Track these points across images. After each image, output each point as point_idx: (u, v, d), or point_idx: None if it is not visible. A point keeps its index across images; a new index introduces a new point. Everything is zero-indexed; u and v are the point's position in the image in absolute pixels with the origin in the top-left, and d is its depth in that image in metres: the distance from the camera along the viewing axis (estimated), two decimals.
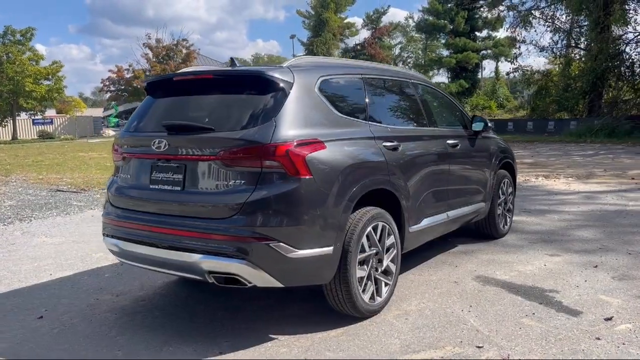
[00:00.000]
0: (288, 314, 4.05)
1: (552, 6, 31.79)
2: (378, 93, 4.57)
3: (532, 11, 32.19)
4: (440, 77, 56.32)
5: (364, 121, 4.07)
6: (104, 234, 4.05)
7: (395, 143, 4.21)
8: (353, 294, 3.69)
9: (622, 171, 13.24)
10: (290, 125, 3.43)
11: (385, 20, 64.52)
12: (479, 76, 50.73)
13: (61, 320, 4.01)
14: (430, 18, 49.96)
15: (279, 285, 3.39)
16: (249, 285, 3.38)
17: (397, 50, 71.78)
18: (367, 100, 4.25)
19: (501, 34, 50.81)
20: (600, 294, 4.28)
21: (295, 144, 3.36)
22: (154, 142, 3.60)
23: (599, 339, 3.46)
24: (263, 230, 3.26)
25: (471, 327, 3.69)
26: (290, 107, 3.49)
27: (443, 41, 51.88)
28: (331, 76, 3.98)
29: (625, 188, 10.38)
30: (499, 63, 53.43)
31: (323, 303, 3.92)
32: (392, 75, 4.89)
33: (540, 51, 32.59)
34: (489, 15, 39.80)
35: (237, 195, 3.31)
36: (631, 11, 27.80)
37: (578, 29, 31.09)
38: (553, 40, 32.00)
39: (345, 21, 61.67)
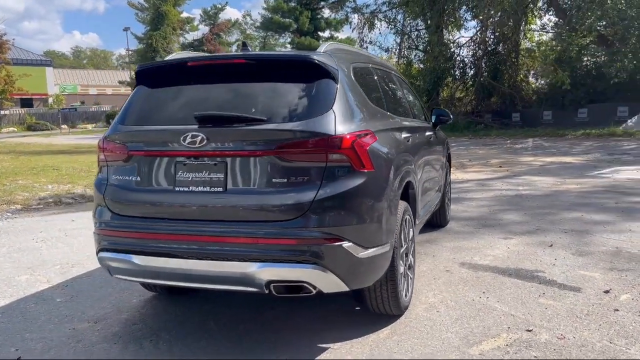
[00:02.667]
0: (311, 322, 3.75)
1: (394, 10, 34.12)
2: (384, 84, 4.44)
3: (376, 14, 34.22)
4: None
5: (386, 112, 3.93)
6: (102, 249, 3.35)
7: (408, 134, 4.14)
8: (398, 292, 3.55)
9: (485, 160, 14.73)
10: (346, 116, 3.17)
11: (221, 17, 64.13)
12: None
13: None
14: (276, 16, 50.51)
15: (345, 289, 3.11)
16: (313, 292, 3.05)
17: (234, 48, 71.69)
18: (381, 90, 4.11)
19: (342, 34, 53.48)
20: (578, 270, 4.67)
21: (357, 134, 3.11)
22: (185, 137, 3.06)
23: (617, 310, 3.76)
24: (334, 231, 2.96)
25: (504, 313, 3.77)
26: (342, 96, 3.22)
27: (288, 40, 52.77)
28: (358, 64, 3.76)
29: (503, 175, 11.55)
30: None
31: (336, 307, 3.80)
32: (383, 66, 4.79)
33: (385, 52, 34.85)
34: (335, 17, 41.39)
35: (302, 194, 2.95)
36: (463, 18, 31.02)
37: (417, 32, 33.77)
38: (396, 42, 34.40)
39: (184, 15, 59.88)
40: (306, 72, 3.22)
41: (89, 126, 56.95)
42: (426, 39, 32.22)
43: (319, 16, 50.67)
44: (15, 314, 4.03)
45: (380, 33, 46.85)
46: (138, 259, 3.16)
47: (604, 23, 23.55)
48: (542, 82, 30.68)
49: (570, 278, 4.46)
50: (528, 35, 30.57)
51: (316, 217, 2.94)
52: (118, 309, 4.06)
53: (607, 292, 4.12)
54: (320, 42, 51.73)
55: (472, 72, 31.21)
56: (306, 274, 2.94)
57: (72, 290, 4.51)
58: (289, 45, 54.45)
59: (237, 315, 3.87)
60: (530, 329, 3.48)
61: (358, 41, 35.30)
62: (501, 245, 5.58)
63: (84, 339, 3.52)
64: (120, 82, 65.69)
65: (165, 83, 3.48)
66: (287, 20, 50.40)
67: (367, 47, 34.42)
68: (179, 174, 3.14)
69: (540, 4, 29.04)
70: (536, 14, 29.53)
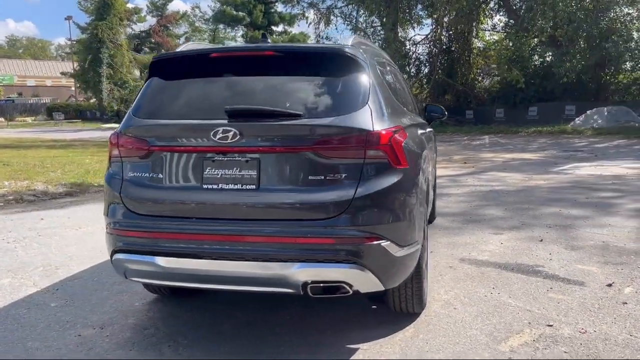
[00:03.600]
0: (330, 322, 3.66)
1: (350, 6, 34.24)
2: (396, 79, 4.38)
3: (332, 9, 34.25)
4: None
5: (403, 107, 3.88)
6: (118, 251, 3.13)
7: (422, 131, 4.12)
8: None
9: (448, 157, 15.00)
10: (380, 111, 3.09)
11: (169, 9, 62.87)
12: None
13: None
14: (228, 9, 49.68)
15: (380, 289, 3.04)
16: (350, 292, 2.96)
17: (182, 40, 70.44)
18: (396, 86, 4.05)
19: (296, 29, 53.29)
20: (575, 264, 4.79)
21: (393, 130, 3.04)
22: (216, 132, 2.90)
23: (625, 303, 3.86)
24: (373, 229, 2.88)
25: (519, 308, 3.80)
26: (374, 91, 3.14)
27: (241, 33, 52.06)
28: (378, 58, 3.69)
29: (470, 171, 11.79)
30: None
31: (350, 306, 3.77)
32: (391, 61, 4.73)
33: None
34: (291, 11, 41.17)
35: (340, 191, 2.86)
36: (418, 16, 31.47)
37: (372, 29, 34.02)
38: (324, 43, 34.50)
39: (131, 5, 58.25)
40: (339, 65, 3.12)
41: (29, 119, 54.40)
42: (382, 36, 32.51)
43: (272, 10, 50.29)
44: (9, 320, 3.74)
45: (336, 29, 46.89)
46: (162, 261, 2.98)
47: (552, 24, 24.43)
48: (491, 80, 31.61)
49: (571, 272, 4.56)
50: (480, 35, 31.42)
51: (355, 216, 2.85)
52: (122, 313, 3.83)
53: (610, 285, 4.23)
54: (274, 36, 51.46)
55: (427, 69, 31.79)
56: (345, 274, 2.86)
57: (64, 294, 4.23)
58: (241, 39, 53.78)
59: (251, 316, 3.74)
60: (551, 324, 3.52)
61: (314, 37, 35.25)
62: (494, 241, 5.65)
63: (95, 346, 3.30)
64: (62, 74, 63.03)
65: (185, 75, 3.29)
66: (240, 13, 49.68)
67: (324, 43, 34.40)
68: (207, 170, 2.98)
69: (492, 4, 29.89)
70: (487, 14, 30.38)
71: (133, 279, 3.21)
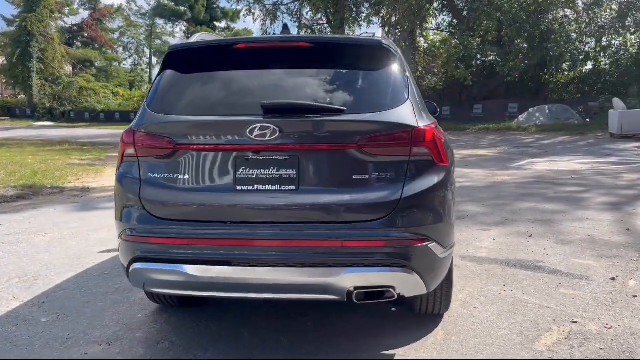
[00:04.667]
0: (355, 328, 3.51)
1: (296, 3, 34.10)
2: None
3: (279, 6, 33.99)
4: None
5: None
6: (137, 260, 2.83)
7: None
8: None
9: None
10: (419, 106, 2.97)
11: (103, 2, 60.58)
12: None
13: None
14: (169, 3, 48.30)
15: (424, 292, 2.90)
16: (395, 297, 2.82)
17: (117, 35, 68.15)
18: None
19: (239, 25, 52.48)
20: (572, 259, 4.86)
21: (433, 127, 2.91)
22: (252, 129, 2.67)
23: (635, 296, 3.93)
24: (421, 230, 2.75)
25: (538, 305, 3.78)
26: (411, 85, 3.01)
27: (183, 28, 50.72)
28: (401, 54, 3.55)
29: None
30: None
31: (369, 311, 3.67)
32: None
33: None
34: (236, 7, 40.49)
35: (387, 191, 2.70)
36: (365, 15, 31.77)
37: (319, 27, 34.02)
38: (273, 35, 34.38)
39: None
40: (377, 57, 2.97)
41: None
42: (329, 33, 32.58)
43: (215, 5, 49.33)
44: (3, 342, 3.34)
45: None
46: (193, 269, 2.72)
47: (497, 24, 25.26)
48: (434, 78, 32.34)
49: (572, 267, 4.61)
50: (425, 34, 32.06)
51: (404, 216, 2.71)
52: (126, 326, 3.52)
53: (613, 279, 4.31)
54: (217, 32, 50.43)
55: None
56: (394, 278, 2.71)
57: (54, 308, 3.85)
58: (178, 35, 52.46)
59: (270, 324, 3.52)
60: (575, 320, 3.52)
61: (261, 34, 34.80)
62: (485, 237, 5.67)
63: None
64: None
65: (208, 67, 3.04)
66: (182, 8, 48.44)
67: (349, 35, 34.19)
68: (240, 171, 2.75)
69: (435, 5, 30.54)
70: (432, 13, 31.04)
71: (155, 290, 2.94)
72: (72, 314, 3.75)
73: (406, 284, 2.75)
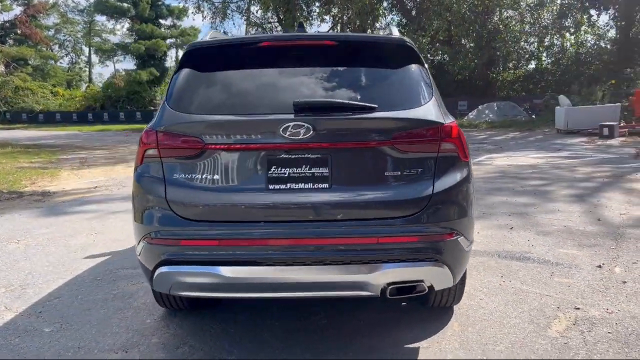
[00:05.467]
0: (369, 324, 3.55)
1: (245, 1, 33.78)
2: None
3: (228, 4, 33.55)
4: (126, 64, 53.57)
5: None
6: (165, 263, 2.76)
7: None
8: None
9: None
10: (442, 104, 3.03)
11: None
12: (167, 65, 50.20)
13: None
14: (112, 0, 46.77)
15: (451, 285, 2.97)
16: (426, 291, 2.87)
17: (52, 32, 65.52)
18: None
19: (185, 23, 51.41)
20: (556, 249, 5.08)
21: (457, 123, 2.98)
22: (285, 128, 2.66)
23: (625, 282, 4.16)
24: (451, 225, 2.82)
25: (539, 294, 3.94)
26: (433, 83, 3.07)
27: (126, 25, 49.18)
28: None
29: None
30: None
31: (373, 306, 3.71)
32: None
33: None
34: (184, 4, 39.64)
35: (420, 187, 2.76)
36: (314, 13, 31.84)
37: (270, 25, 33.85)
38: (251, 34, 34.05)
39: None
40: (402, 55, 3.01)
41: None
42: (280, 31, 32.47)
43: (160, 2, 48.12)
44: (4, 352, 3.17)
45: (233, 24, 45.86)
46: (227, 271, 2.68)
47: (447, 24, 25.95)
48: None
49: (558, 257, 4.83)
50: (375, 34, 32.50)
51: (435, 211, 2.77)
52: (138, 332, 3.42)
53: (600, 267, 4.54)
54: (162, 29, 49.23)
55: None
56: (427, 272, 2.77)
57: (54, 317, 3.69)
58: (119, 33, 50.89)
59: (285, 325, 3.51)
60: (578, 307, 3.69)
61: (210, 31, 34.25)
62: None
63: None
64: None
65: (231, 65, 2.99)
66: (125, 4, 46.95)
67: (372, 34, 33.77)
68: (272, 170, 2.72)
69: (385, 4, 31.01)
70: (381, 13, 31.49)
71: (183, 293, 2.86)
72: (76, 322, 3.60)
73: (438, 277, 2.81)
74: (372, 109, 2.75)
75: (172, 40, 50.24)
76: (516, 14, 25.29)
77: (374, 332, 3.38)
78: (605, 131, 16.50)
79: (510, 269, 4.50)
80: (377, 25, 31.84)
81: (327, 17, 31.49)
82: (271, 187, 2.72)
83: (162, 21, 49.94)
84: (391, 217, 2.73)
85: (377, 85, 2.94)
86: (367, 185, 2.76)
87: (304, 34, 3.29)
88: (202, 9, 34.67)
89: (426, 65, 3.13)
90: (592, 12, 26.93)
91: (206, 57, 3.04)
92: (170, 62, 51.43)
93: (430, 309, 3.68)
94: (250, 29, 33.88)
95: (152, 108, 44.86)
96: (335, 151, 2.74)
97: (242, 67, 3.00)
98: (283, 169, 2.72)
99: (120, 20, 49.47)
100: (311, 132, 2.67)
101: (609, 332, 3.29)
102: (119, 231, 6.16)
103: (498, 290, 4.03)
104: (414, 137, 2.77)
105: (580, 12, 25.99)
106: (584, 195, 7.74)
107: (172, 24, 50.75)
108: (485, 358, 3.02)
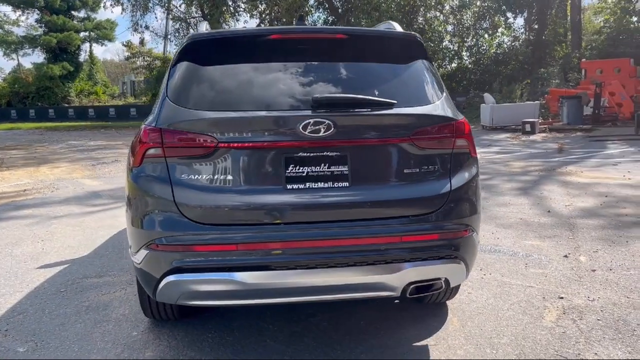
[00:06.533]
0: (370, 324, 3.50)
1: None
2: None
3: None
4: (35, 58, 50.10)
5: None
6: (175, 271, 2.54)
7: None
8: None
9: None
10: (451, 100, 3.02)
11: None
12: (81, 59, 47.37)
13: None
14: None
15: (464, 280, 2.98)
16: (442, 288, 2.86)
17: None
18: None
19: (101, 15, 48.93)
20: (521, 241, 5.28)
21: (466, 120, 2.99)
22: (305, 125, 2.54)
23: (594, 270, 4.39)
24: (467, 221, 2.83)
25: (522, 286, 4.06)
26: (441, 80, 3.06)
27: (35, 17, 45.86)
28: None
29: None
30: (103, 47, 51.37)
31: (368, 306, 3.68)
32: None
33: (164, 38, 33.19)
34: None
35: (438, 184, 2.73)
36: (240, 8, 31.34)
37: (194, 19, 32.95)
38: (174, 29, 33.04)
39: None
40: (412, 52, 2.97)
41: None
42: (209, 27, 31.69)
43: None
44: None
45: (156, 17, 43.87)
46: (246, 277, 2.52)
47: (372, 23, 26.41)
48: None
49: (525, 248, 5.01)
50: None
51: (453, 208, 2.76)
52: (127, 346, 3.16)
53: (566, 256, 4.75)
54: (75, 22, 46.40)
55: None
56: (447, 269, 2.76)
57: (23, 334, 3.33)
58: (24, 25, 47.42)
59: (286, 327, 3.38)
60: (561, 296, 3.84)
61: (131, 24, 32.83)
62: None
63: None
64: None
65: (238, 58, 2.81)
66: None
67: (143, 32, 32.43)
68: (290, 168, 2.59)
69: (312, 1, 31.10)
70: (308, 10, 31.54)
71: (193, 302, 2.66)
72: (52, 339, 3.27)
73: (455, 274, 2.81)
74: (391, 105, 2.69)
75: (86, 33, 47.53)
76: (440, 14, 26.21)
77: (379, 331, 3.33)
78: (528, 127, 17.46)
79: (486, 262, 4.61)
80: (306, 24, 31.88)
81: (255, 13, 31.13)
82: (289, 186, 2.59)
83: (74, 13, 47.06)
84: (412, 215, 2.68)
85: (391, 80, 2.88)
86: (386, 183, 2.70)
87: (314, 27, 3.18)
88: (121, 1, 33.10)
89: (431, 61, 3.11)
90: (509, 14, 28.53)
91: (211, 50, 2.84)
92: (85, 56, 48.75)
93: (425, 305, 3.68)
94: (174, 23, 32.84)
95: (66, 105, 42.31)
96: (355, 148, 2.65)
97: (251, 60, 2.83)
98: (301, 168, 2.60)
99: (28, 11, 45.99)
100: (332, 129, 2.57)
101: (598, 320, 3.44)
102: (68, 237, 5.71)
103: (482, 283, 4.11)
104: (433, 134, 2.74)
105: (498, 14, 27.41)
106: (527, 189, 8.12)
107: (85, 16, 47.96)
108: (494, 351, 3.05)
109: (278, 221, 2.58)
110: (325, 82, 2.79)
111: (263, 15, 30.36)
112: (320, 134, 2.56)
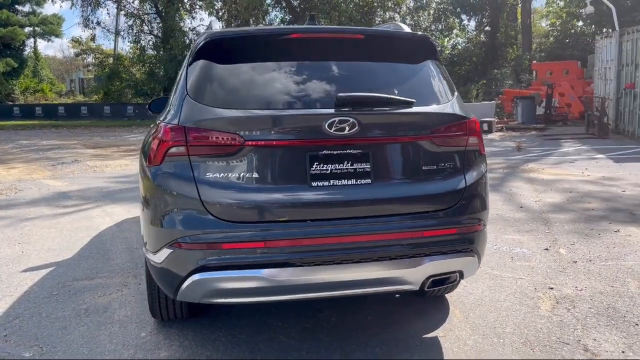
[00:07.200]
0: (377, 319, 3.58)
1: None
2: None
3: None
4: None
5: None
6: (203, 269, 2.53)
7: None
8: None
9: None
10: (461, 99, 3.13)
11: None
12: (26, 55, 45.38)
13: None
14: None
15: (475, 273, 3.11)
16: (457, 281, 2.97)
17: None
18: None
19: (47, 10, 47.13)
20: (502, 235, 5.49)
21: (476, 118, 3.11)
22: (331, 123, 2.58)
23: (575, 261, 4.62)
24: (480, 215, 2.95)
25: (512, 278, 4.23)
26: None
27: None
28: None
29: None
30: (49, 42, 49.43)
31: (369, 301, 3.74)
32: None
33: (116, 35, 32.26)
34: None
35: (454, 180, 2.84)
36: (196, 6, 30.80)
37: (148, 16, 32.21)
38: (127, 25, 32.17)
39: None
40: (426, 51, 3.07)
41: None
42: (159, 23, 31.07)
43: None
44: None
45: (108, 13, 42.19)
46: (274, 273, 2.54)
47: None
48: None
49: (507, 242, 5.22)
50: None
51: (469, 203, 2.87)
52: (141, 348, 3.11)
53: (547, 249, 4.98)
54: (20, 16, 44.47)
55: None
56: (463, 262, 2.87)
57: (26, 339, 3.23)
58: None
59: (296, 323, 3.42)
60: (551, 287, 4.03)
61: (81, 20, 31.74)
62: None
63: None
64: None
65: (259, 57, 2.83)
66: None
67: (95, 28, 31.48)
68: (314, 166, 2.63)
69: (269, 0, 30.93)
70: (265, 8, 31.37)
71: (217, 300, 2.66)
72: (58, 343, 3.19)
73: (470, 266, 2.93)
74: (410, 104, 2.76)
75: (31, 28, 45.62)
76: (397, 15, 26.65)
77: (387, 325, 3.41)
78: (485, 126, 17.98)
79: None
80: (265, 22, 31.73)
81: (212, 10, 30.66)
82: (314, 184, 2.63)
83: (18, 7, 45.10)
84: (432, 210, 2.78)
85: (407, 80, 2.97)
86: (405, 179, 2.78)
87: (333, 27, 3.23)
88: None
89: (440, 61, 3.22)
90: (464, 16, 29.37)
91: (232, 48, 2.84)
92: (30, 51, 46.75)
93: (425, 299, 3.79)
94: (127, 19, 31.99)
95: (10, 103, 40.48)
96: (376, 146, 2.72)
97: (272, 59, 2.85)
98: (325, 166, 2.64)
99: None
100: (356, 127, 2.62)
101: (590, 308, 3.63)
102: (47, 240, 5.52)
103: (475, 276, 4.22)
104: (449, 132, 2.84)
105: (453, 16, 28.14)
106: (496, 186, 8.40)
107: (31, 10, 46.04)
108: (500, 340, 3.19)
109: (304, 218, 2.61)
110: (345, 81, 2.84)
111: (220, 14, 29.97)
112: (345, 132, 2.61)
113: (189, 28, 31.01)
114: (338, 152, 2.65)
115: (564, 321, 3.43)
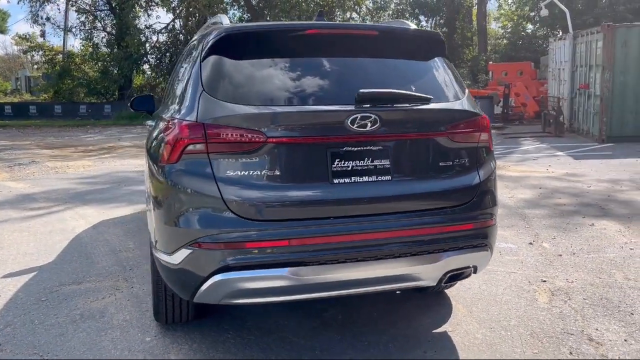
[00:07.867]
0: (381, 316, 3.58)
1: None
2: None
3: None
4: None
5: None
6: (226, 269, 2.46)
7: None
8: None
9: None
10: (471, 96, 3.17)
11: None
12: None
13: None
14: None
15: (486, 266, 3.16)
16: (470, 275, 3.01)
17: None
18: None
19: None
20: None
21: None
22: (354, 120, 2.56)
23: (561, 255, 4.77)
24: (491, 210, 2.99)
25: (505, 272, 4.32)
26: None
27: None
28: None
29: None
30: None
31: (371, 299, 3.75)
32: None
33: (68, 31, 31.12)
34: None
35: (470, 176, 2.87)
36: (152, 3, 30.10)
37: (101, 13, 31.22)
38: (80, 21, 31.09)
39: None
40: (434, 49, 3.09)
41: None
42: (113, 20, 30.18)
43: None
44: None
45: (59, 9, 40.36)
46: (298, 272, 2.50)
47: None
48: None
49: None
50: None
51: (483, 198, 2.91)
52: (149, 353, 3.01)
53: (531, 244, 5.12)
54: None
55: (168, 60, 30.72)
56: (478, 256, 2.90)
57: (22, 347, 3.07)
58: None
59: (303, 323, 3.39)
60: (544, 280, 4.14)
61: (30, 15, 30.45)
62: None
63: None
64: None
65: (276, 53, 2.77)
66: None
67: (44, 24, 30.30)
68: (336, 163, 2.60)
69: None
70: (224, 7, 30.96)
71: (238, 301, 2.59)
72: (58, 350, 3.04)
73: (483, 260, 2.97)
74: (428, 100, 2.78)
75: None
76: (357, 15, 26.85)
77: (395, 322, 3.42)
78: None
79: None
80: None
81: (170, 8, 30.03)
82: (335, 181, 2.60)
83: None
84: (450, 206, 2.80)
85: (422, 76, 2.98)
86: (423, 175, 2.79)
87: (348, 24, 3.22)
88: None
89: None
90: (422, 18, 29.87)
91: (247, 44, 2.77)
92: None
93: (425, 295, 3.82)
94: (79, 15, 30.92)
95: None
96: (396, 142, 2.72)
97: (289, 55, 2.79)
98: (347, 162, 2.62)
99: None
100: (377, 123, 2.61)
101: (585, 299, 3.75)
102: (21, 244, 5.26)
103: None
104: (465, 128, 2.87)
105: (412, 18, 28.57)
106: None
107: None
108: (508, 333, 3.25)
109: (326, 215, 2.58)
110: (362, 78, 2.82)
111: (178, 11, 29.40)
112: (367, 128, 2.60)
113: (145, 25, 30.20)
114: (359, 148, 2.64)
115: (564, 312, 3.53)
